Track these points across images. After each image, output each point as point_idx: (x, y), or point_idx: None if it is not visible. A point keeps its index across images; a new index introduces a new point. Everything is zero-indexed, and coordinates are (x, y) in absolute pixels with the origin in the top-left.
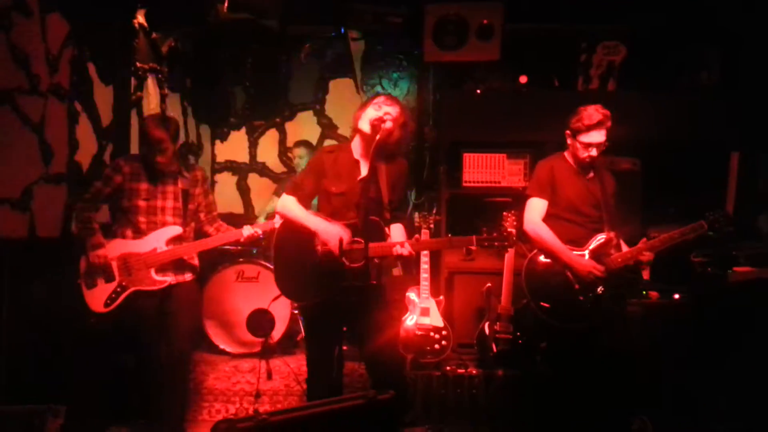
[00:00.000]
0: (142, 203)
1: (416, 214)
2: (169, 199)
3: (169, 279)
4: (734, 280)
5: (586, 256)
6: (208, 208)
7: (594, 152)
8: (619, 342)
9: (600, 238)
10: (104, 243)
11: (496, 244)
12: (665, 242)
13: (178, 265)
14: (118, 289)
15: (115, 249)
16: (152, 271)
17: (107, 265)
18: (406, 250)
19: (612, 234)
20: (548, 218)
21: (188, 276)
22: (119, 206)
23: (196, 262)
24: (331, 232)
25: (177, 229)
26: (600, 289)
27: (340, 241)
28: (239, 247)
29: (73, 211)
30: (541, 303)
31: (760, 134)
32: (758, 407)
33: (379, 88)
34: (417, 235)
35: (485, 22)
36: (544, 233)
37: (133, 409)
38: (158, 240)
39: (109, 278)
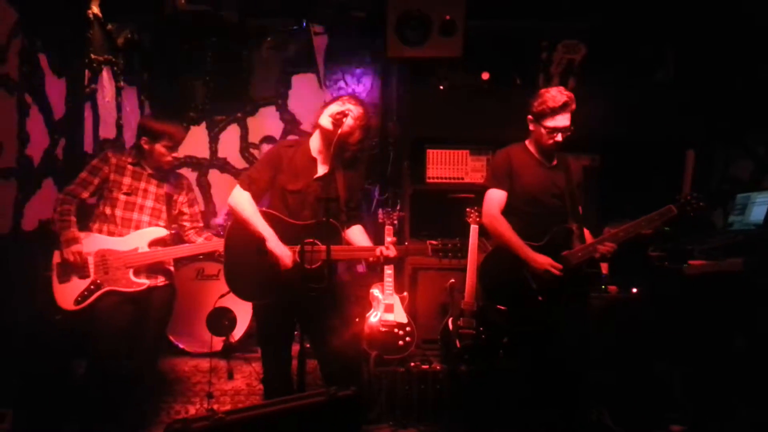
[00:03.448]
0: (122, 197)
1: (380, 210)
2: (149, 199)
3: (147, 282)
4: (689, 273)
5: (545, 250)
6: (193, 218)
7: (559, 137)
8: (579, 339)
9: (559, 230)
10: (79, 238)
11: (449, 254)
12: (629, 231)
13: (154, 268)
14: (92, 287)
15: (93, 244)
16: (131, 272)
17: (83, 261)
18: (392, 252)
19: (574, 226)
20: (508, 210)
21: (161, 281)
22: (100, 197)
23: (172, 267)
24: (282, 255)
25: (162, 231)
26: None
27: (288, 266)
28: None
29: (55, 202)
30: (498, 306)
31: (713, 131)
32: (712, 397)
33: (342, 84)
34: (381, 248)
35: (447, 18)
36: (501, 226)
37: (87, 412)
38: (141, 240)
39: (84, 275)
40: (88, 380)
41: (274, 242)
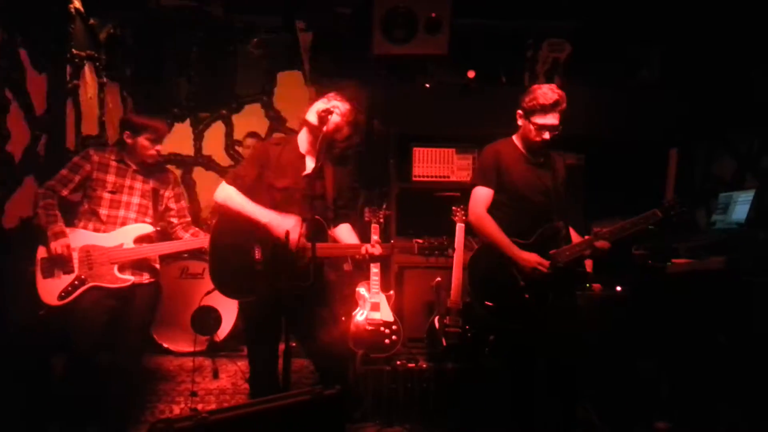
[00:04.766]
0: (106, 195)
1: (366, 209)
2: (135, 196)
3: (132, 278)
4: (673, 271)
5: (533, 248)
6: (180, 213)
7: (547, 135)
8: (572, 336)
9: (547, 228)
10: (66, 232)
11: (436, 252)
12: (615, 233)
13: (139, 264)
14: (76, 283)
15: (78, 239)
16: (115, 268)
17: (69, 256)
18: (377, 250)
19: (560, 224)
20: (494, 207)
21: (146, 278)
22: (84, 196)
23: (157, 264)
24: (286, 223)
25: (148, 228)
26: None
27: (298, 232)
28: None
29: (36, 197)
30: (486, 302)
31: (696, 131)
32: (696, 394)
33: (327, 81)
34: (366, 246)
35: (433, 15)
36: (488, 225)
37: (68, 410)
38: (126, 236)
39: (68, 270)
40: (67, 376)
41: (276, 220)
